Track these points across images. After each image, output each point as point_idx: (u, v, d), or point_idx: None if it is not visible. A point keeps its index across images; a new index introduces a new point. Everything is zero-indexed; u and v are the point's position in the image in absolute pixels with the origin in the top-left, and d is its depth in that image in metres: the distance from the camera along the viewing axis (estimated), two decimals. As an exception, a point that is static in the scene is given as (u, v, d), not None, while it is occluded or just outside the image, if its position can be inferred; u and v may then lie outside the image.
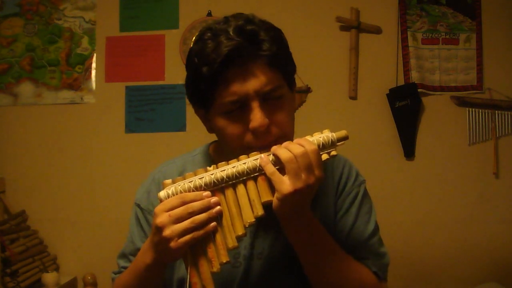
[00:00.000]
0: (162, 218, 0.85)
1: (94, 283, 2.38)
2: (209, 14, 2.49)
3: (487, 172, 2.41)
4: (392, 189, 2.43)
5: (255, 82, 0.90)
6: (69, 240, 2.53)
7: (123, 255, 1.09)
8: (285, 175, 0.84)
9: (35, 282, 2.31)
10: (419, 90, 2.42)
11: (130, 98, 2.56)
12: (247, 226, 0.86)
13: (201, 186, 0.88)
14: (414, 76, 2.42)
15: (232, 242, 0.86)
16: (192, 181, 0.88)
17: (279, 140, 0.91)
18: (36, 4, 2.62)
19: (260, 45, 0.91)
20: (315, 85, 2.47)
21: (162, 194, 0.89)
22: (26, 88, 2.60)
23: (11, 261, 2.24)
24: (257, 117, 0.89)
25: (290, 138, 0.91)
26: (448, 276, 2.40)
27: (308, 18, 2.50)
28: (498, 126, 2.42)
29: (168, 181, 0.90)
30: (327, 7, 2.48)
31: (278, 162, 0.85)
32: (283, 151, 0.85)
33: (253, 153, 0.89)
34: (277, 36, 0.95)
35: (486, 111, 2.42)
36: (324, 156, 0.87)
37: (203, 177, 0.88)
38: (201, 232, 0.85)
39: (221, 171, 0.88)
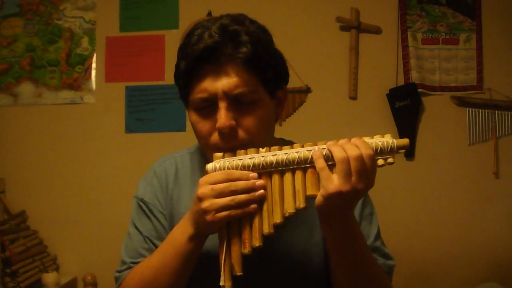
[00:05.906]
0: (204, 189, 0.85)
1: (94, 283, 2.38)
2: (209, 14, 2.49)
3: (487, 172, 2.41)
4: (392, 189, 2.42)
5: (226, 82, 0.89)
6: (69, 240, 2.53)
7: (131, 250, 1.04)
8: (335, 174, 0.81)
9: (35, 282, 2.31)
10: (419, 90, 2.42)
11: (130, 98, 2.56)
12: (286, 215, 0.84)
13: (249, 166, 0.86)
14: (414, 76, 2.42)
15: (268, 228, 0.84)
16: (242, 159, 0.87)
17: (245, 146, 0.89)
18: (36, 4, 2.62)
19: (239, 47, 0.90)
20: (315, 85, 2.47)
21: (209, 166, 0.89)
22: (26, 88, 2.60)
23: (11, 261, 2.24)
24: (221, 117, 0.89)
25: (258, 146, 0.89)
26: (448, 276, 2.40)
27: (308, 18, 2.50)
28: (498, 126, 2.42)
29: (219, 154, 0.89)
30: (327, 7, 2.48)
31: (331, 158, 0.82)
32: (338, 149, 0.81)
33: (308, 143, 0.86)
34: (260, 41, 0.93)
35: (486, 111, 2.42)
36: (380, 162, 0.82)
37: (253, 158, 0.86)
38: (239, 211, 0.84)
39: (272, 155, 0.86)
